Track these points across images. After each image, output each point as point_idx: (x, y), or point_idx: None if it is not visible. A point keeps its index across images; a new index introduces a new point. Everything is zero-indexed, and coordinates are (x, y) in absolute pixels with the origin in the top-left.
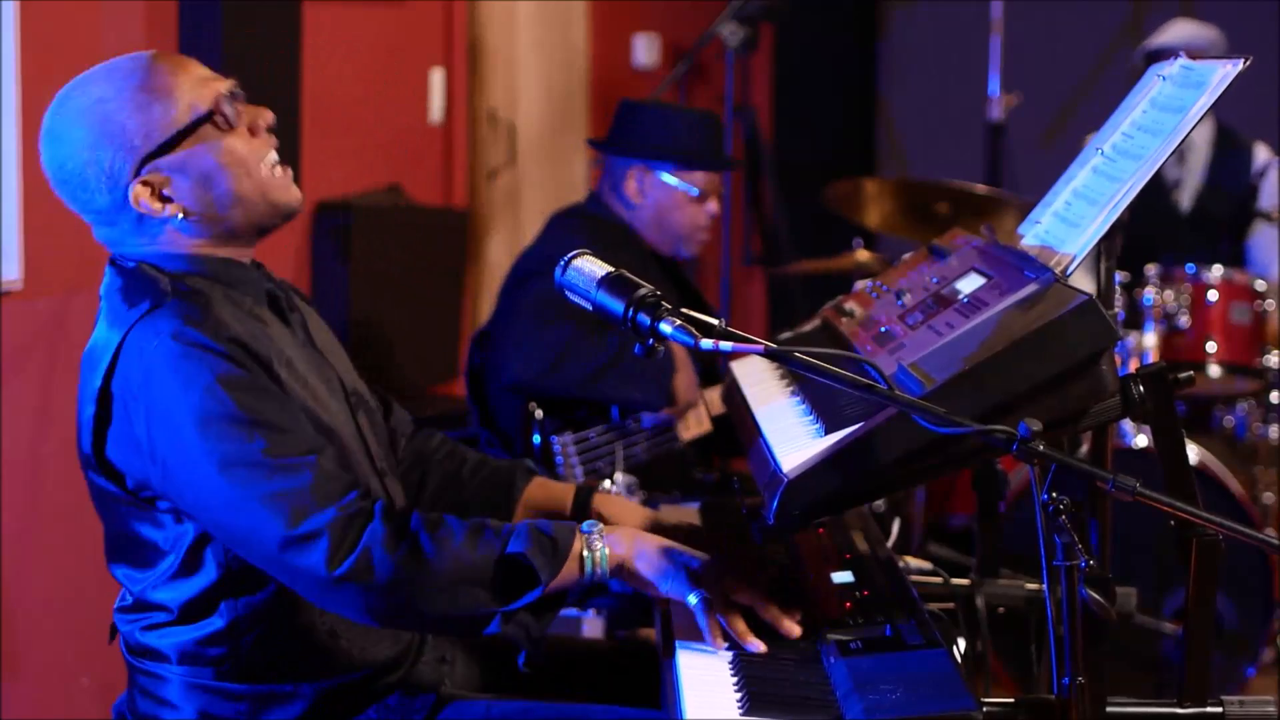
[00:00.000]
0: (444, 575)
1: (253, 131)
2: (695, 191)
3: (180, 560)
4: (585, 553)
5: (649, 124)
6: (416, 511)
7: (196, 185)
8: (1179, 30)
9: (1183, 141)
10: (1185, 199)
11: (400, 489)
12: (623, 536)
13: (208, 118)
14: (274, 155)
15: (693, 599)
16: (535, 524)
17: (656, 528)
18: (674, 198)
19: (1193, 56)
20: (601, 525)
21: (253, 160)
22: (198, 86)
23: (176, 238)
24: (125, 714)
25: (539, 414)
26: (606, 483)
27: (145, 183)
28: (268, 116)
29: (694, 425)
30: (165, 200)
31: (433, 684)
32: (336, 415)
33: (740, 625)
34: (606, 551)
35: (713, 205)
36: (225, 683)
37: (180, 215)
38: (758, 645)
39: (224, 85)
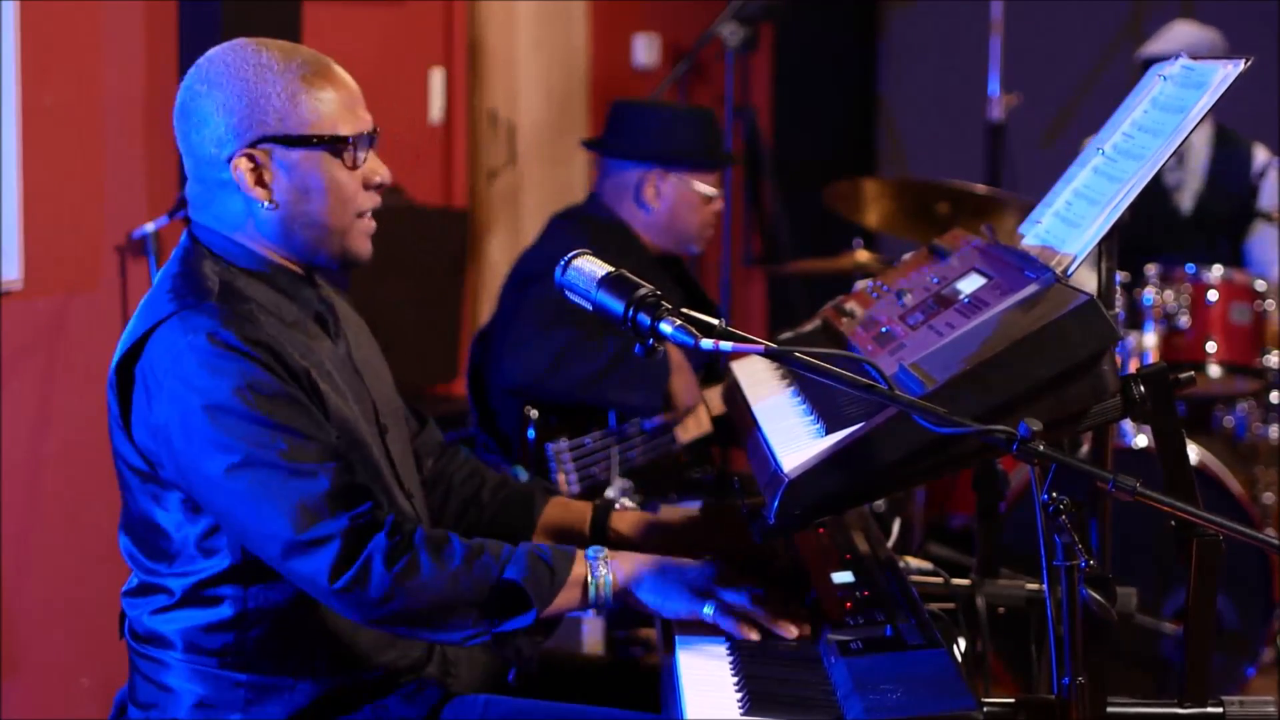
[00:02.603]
0: (437, 595)
1: (364, 182)
2: (713, 191)
3: (189, 548)
4: (589, 579)
5: (655, 126)
6: (421, 529)
7: (293, 190)
8: (1177, 34)
9: (1182, 143)
10: (1185, 201)
11: (426, 510)
12: (624, 564)
13: (340, 142)
14: (371, 209)
15: (708, 610)
16: (537, 550)
17: (667, 530)
18: (691, 199)
19: (1193, 57)
20: (606, 552)
21: (351, 203)
22: (349, 110)
23: (253, 230)
24: (126, 703)
25: (534, 415)
26: (624, 499)
27: (251, 157)
28: (386, 176)
29: (693, 427)
30: (261, 185)
31: (438, 683)
32: (367, 434)
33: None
34: (610, 579)
35: (719, 202)
36: (228, 671)
37: (266, 205)
38: (790, 631)
39: (368, 125)
